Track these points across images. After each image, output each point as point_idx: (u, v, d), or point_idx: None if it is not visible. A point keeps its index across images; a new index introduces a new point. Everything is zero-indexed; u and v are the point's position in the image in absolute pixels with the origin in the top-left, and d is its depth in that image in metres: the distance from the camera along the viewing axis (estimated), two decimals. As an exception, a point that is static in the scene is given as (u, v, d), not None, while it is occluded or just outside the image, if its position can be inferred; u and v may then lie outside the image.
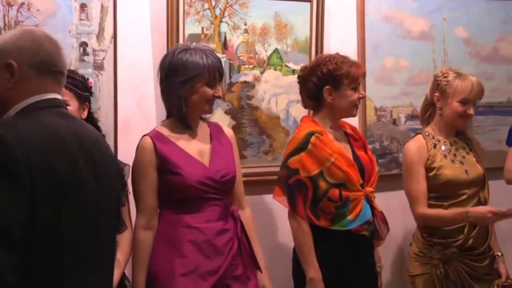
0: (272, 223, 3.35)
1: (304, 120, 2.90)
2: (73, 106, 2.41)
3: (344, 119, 2.92)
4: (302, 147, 2.71)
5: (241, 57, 3.25)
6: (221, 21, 3.17)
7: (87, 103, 2.50)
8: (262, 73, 3.30)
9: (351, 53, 3.28)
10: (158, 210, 2.57)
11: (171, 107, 2.60)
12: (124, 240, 2.54)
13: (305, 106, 2.96)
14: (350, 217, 2.72)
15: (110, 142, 2.84)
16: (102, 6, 2.90)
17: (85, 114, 2.49)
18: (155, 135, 2.55)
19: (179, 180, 2.49)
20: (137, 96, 3.03)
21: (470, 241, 2.95)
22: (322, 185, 2.70)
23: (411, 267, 3.06)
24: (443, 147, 3.02)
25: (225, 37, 3.19)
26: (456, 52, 3.78)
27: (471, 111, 2.98)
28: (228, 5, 3.17)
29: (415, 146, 3.02)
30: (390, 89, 3.63)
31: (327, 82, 2.76)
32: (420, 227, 3.05)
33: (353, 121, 3.09)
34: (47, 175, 1.64)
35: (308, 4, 3.34)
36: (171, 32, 3.02)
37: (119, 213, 2.53)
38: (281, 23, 3.32)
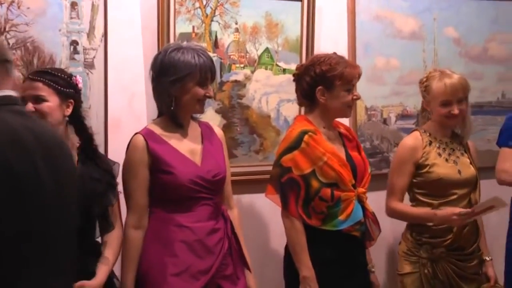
0: (263, 222, 3.35)
1: (298, 119, 2.90)
2: (52, 102, 2.40)
3: (338, 119, 2.92)
4: (295, 145, 2.71)
5: (232, 56, 3.24)
6: (212, 20, 3.16)
7: (71, 100, 2.47)
8: (253, 72, 3.30)
9: (342, 52, 3.25)
10: (149, 209, 2.57)
11: (162, 106, 2.59)
12: (113, 238, 2.54)
13: (300, 104, 2.96)
14: (341, 217, 2.72)
15: (100, 141, 2.83)
16: (92, 5, 2.89)
17: (69, 111, 2.46)
18: (147, 134, 2.54)
19: (171, 179, 2.48)
20: (127, 95, 3.02)
21: (459, 241, 2.96)
22: (314, 184, 2.70)
23: (400, 266, 3.07)
24: (438, 145, 3.03)
25: (216, 36, 3.19)
26: (446, 52, 3.80)
27: (455, 111, 2.95)
28: (219, 4, 3.17)
29: (411, 143, 3.03)
30: (380, 88, 3.64)
31: (320, 83, 2.75)
32: (409, 226, 3.07)
33: (344, 120, 3.09)
34: (3, 172, 1.58)
35: (299, 3, 3.34)
36: (162, 30, 3.01)
37: (107, 213, 2.53)
38: (272, 22, 3.32)
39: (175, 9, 3.03)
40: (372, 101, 3.61)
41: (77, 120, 2.51)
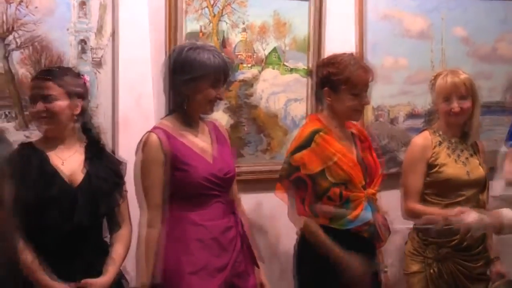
0: (270, 221, 3.35)
1: (310, 118, 2.91)
2: (62, 101, 2.41)
3: None
4: (305, 144, 2.70)
5: (239, 56, 3.24)
6: (219, 20, 3.16)
7: (80, 99, 2.48)
8: (260, 71, 3.30)
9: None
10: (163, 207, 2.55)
11: (174, 104, 2.59)
12: (121, 237, 2.54)
13: (315, 101, 2.95)
14: (350, 217, 2.71)
15: (109, 140, 2.84)
16: (101, 4, 2.90)
17: (78, 110, 2.47)
18: (161, 132, 2.52)
19: (186, 176, 2.48)
20: (135, 94, 3.03)
21: (466, 241, 2.94)
22: (323, 183, 2.68)
23: (406, 266, 3.07)
24: (448, 146, 3.02)
25: (224, 36, 3.19)
26: (454, 52, 3.78)
27: (455, 107, 2.95)
28: (227, 4, 3.17)
29: (421, 143, 3.03)
30: (388, 88, 3.63)
31: (326, 84, 2.74)
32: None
33: (351, 121, 3.08)
34: None
35: (307, 2, 3.34)
36: (170, 30, 3.02)
37: (113, 213, 2.53)
38: (280, 22, 3.32)
39: (183, 8, 3.04)
40: (379, 101, 3.60)
41: (84, 119, 2.52)
